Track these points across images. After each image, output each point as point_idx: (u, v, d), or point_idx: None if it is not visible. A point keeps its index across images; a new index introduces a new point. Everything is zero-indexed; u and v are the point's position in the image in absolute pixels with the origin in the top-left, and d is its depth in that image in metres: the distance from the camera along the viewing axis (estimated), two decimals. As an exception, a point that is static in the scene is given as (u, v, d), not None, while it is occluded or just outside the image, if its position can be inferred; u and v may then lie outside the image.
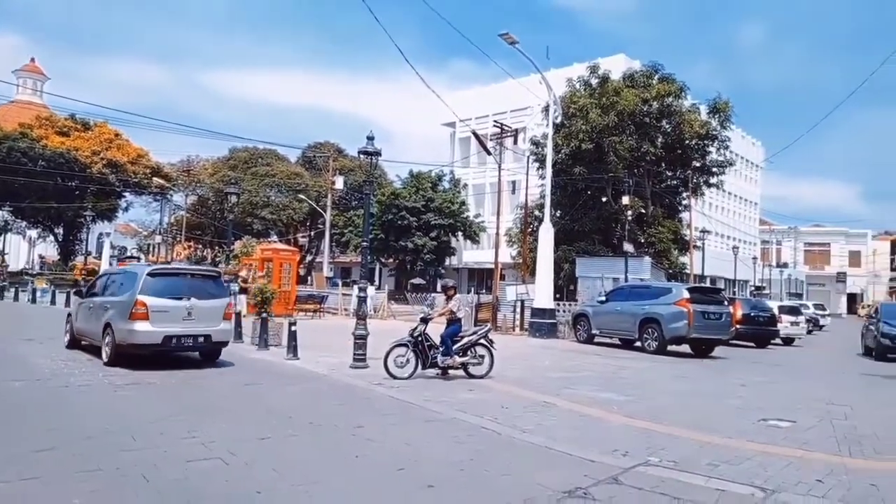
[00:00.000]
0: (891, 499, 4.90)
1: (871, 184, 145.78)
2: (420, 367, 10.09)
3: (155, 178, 51.09)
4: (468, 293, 37.45)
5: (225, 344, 11.28)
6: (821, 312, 38.87)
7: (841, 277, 72.39)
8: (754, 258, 59.29)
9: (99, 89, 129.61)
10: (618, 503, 4.55)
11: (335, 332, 17.24)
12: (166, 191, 53.78)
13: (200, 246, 62.57)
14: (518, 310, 22.45)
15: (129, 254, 57.06)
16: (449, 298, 10.73)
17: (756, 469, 5.58)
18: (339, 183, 44.00)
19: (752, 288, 53.26)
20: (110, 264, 36.59)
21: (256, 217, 53.46)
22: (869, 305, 50.61)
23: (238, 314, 15.45)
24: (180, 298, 10.33)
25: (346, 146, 58.67)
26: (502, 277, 36.94)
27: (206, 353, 11.19)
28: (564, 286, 31.47)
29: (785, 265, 67.59)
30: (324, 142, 59.79)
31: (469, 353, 10.37)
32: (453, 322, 10.43)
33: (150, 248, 62.35)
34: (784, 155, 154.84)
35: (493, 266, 27.62)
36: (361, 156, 11.73)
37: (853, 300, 73.48)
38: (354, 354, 10.98)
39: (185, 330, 10.26)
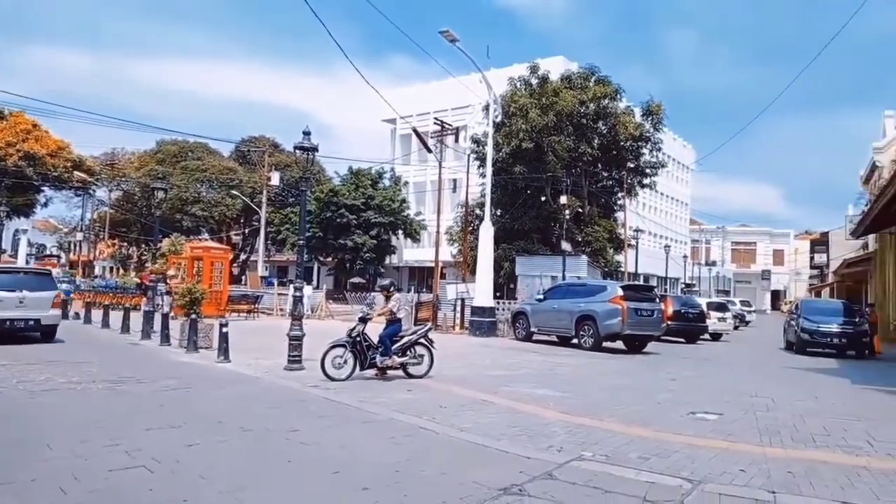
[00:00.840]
0: (804, 484, 5.14)
1: (793, 186, 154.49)
2: (358, 367, 9.92)
3: (76, 172, 48.49)
4: (409, 292, 37.34)
5: (54, 327, 13.86)
6: (747, 309, 40.87)
7: (765, 275, 76.33)
8: (685, 256, 61.75)
9: (14, 76, 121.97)
10: (552, 498, 4.58)
11: (270, 334, 16.81)
12: (89, 185, 51.19)
13: (126, 244, 59.89)
14: (458, 308, 22.53)
15: (48, 252, 53.99)
16: (388, 298, 10.62)
17: (684, 461, 5.75)
18: (275, 179, 42.97)
19: (683, 285, 55.40)
20: (27, 262, 34.44)
21: (186, 214, 51.61)
22: (790, 302, 53.50)
23: (166, 315, 14.91)
24: (13, 290, 13.11)
25: (283, 141, 57.48)
26: (443, 276, 37.04)
27: (43, 333, 13.74)
28: (505, 284, 31.83)
29: (713, 263, 70.72)
30: (259, 136, 58.28)
31: (409, 352, 10.27)
32: (393, 322, 10.32)
33: (71, 246, 59.24)
34: (713, 157, 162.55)
35: (433, 265, 27.62)
36: (297, 151, 11.42)
37: (777, 297, 77.67)
38: (289, 356, 10.71)
39: (17, 315, 13.08)
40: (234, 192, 51.34)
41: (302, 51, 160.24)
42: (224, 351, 11.64)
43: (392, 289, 10.86)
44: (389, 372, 10.24)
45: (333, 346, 9.87)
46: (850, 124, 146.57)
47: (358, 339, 9.92)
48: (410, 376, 10.22)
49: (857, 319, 19.20)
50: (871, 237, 30.25)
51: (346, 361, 9.80)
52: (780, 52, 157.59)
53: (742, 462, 5.77)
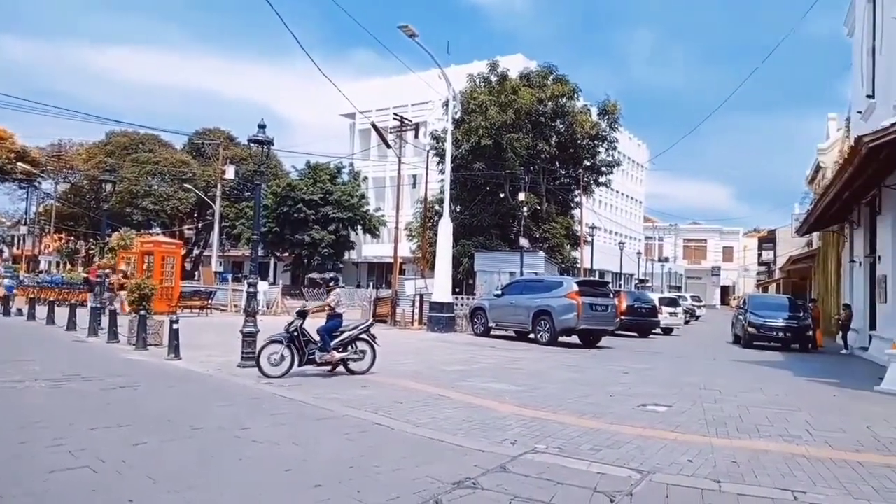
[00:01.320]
0: (748, 473, 5.33)
1: (742, 185, 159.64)
2: (297, 364, 9.67)
3: (20, 164, 46.46)
4: (367, 288, 37.12)
5: None
6: (697, 304, 42.11)
7: (715, 271, 78.73)
8: (638, 253, 63.13)
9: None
10: (505, 491, 4.62)
11: (223, 331, 16.49)
12: (33, 178, 49.10)
13: (73, 238, 57.73)
14: (417, 304, 22.51)
15: (-11, 246, 51.66)
16: (329, 292, 10.39)
17: (634, 452, 5.88)
18: (230, 172, 41.95)
19: (637, 281, 56.65)
20: (-34, 257, 32.95)
21: (137, 207, 50.08)
22: (738, 297, 55.38)
23: (113, 312, 14.50)
24: None
25: (238, 134, 56.16)
26: (402, 272, 36.94)
27: None
28: (463, 280, 31.96)
29: (666, 260, 72.59)
30: (213, 128, 56.85)
31: (350, 348, 10.04)
32: (334, 316, 10.10)
33: (15, 240, 56.81)
34: (667, 156, 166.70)
35: (392, 260, 27.51)
36: (252, 145, 11.21)
37: (726, 292, 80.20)
38: (243, 353, 10.51)
39: None
40: (187, 185, 50.01)
41: (259, 43, 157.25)
42: (174, 348, 11.36)
43: (332, 283, 10.65)
44: (338, 368, 10.05)
45: (270, 342, 9.60)
46: (798, 126, 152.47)
47: (296, 333, 9.67)
48: (352, 373, 10.00)
49: (801, 314, 19.99)
50: (815, 235, 31.53)
51: (283, 357, 9.55)
52: (731, 54, 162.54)
53: (689, 452, 5.94)
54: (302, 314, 9.93)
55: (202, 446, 5.81)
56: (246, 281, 11.89)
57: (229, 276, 43.65)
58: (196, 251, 58.49)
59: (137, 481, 4.67)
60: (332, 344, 9.87)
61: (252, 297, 11.13)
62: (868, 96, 16.00)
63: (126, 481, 4.67)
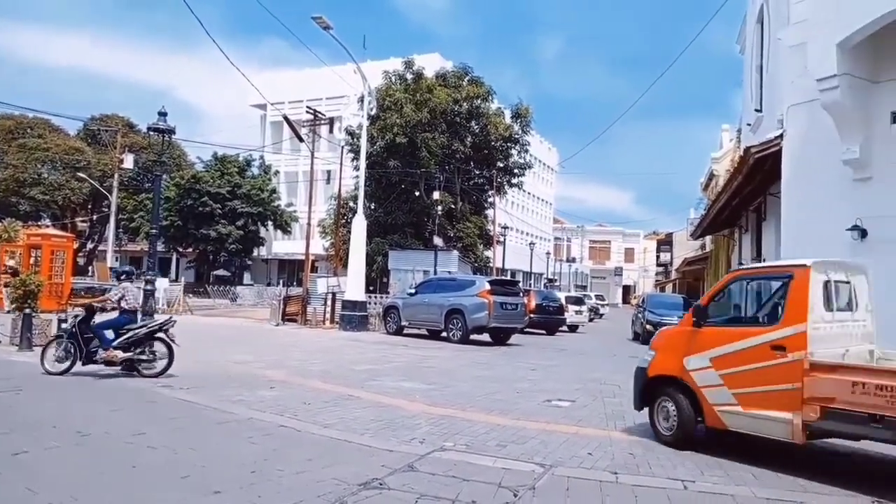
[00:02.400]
0: (643, 464, 5.63)
1: (644, 190, 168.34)
2: (80, 361, 9.15)
3: None
4: (278, 285, 36.08)
5: None
6: (601, 302, 44.03)
7: (618, 271, 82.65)
8: (548, 253, 65.19)
9: None
10: (411, 490, 4.63)
11: (120, 329, 15.46)
12: None
13: (-51, 229, 52.41)
14: (329, 302, 22.13)
15: None
16: (123, 285, 9.81)
17: (538, 447, 6.06)
18: (129, 161, 39.42)
19: (546, 280, 58.46)
20: None
21: (24, 197, 46.16)
22: (638, 296, 58.37)
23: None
24: None
25: (139, 121, 52.88)
26: (314, 269, 36.20)
27: None
28: (377, 278, 31.75)
29: (573, 260, 75.40)
30: (111, 114, 53.29)
31: (140, 348, 9.38)
32: (124, 312, 9.54)
33: None
34: (576, 160, 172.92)
35: (304, 257, 26.89)
36: (152, 133, 10.60)
37: (627, 291, 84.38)
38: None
39: None
40: (80, 174, 46.57)
41: (162, 25, 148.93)
42: (63, 349, 10.53)
43: (123, 276, 10.08)
44: (138, 368, 9.33)
45: (56, 338, 9.22)
46: (696, 135, 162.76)
47: (74, 329, 9.17)
48: (142, 375, 9.27)
49: (693, 312, 21.29)
50: (708, 238, 33.71)
51: (67, 354, 9.10)
52: (639, 63, 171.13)
53: (590, 446, 6.19)
54: (89, 308, 9.49)
55: (90, 454, 5.43)
56: (143, 278, 11.22)
57: (127, 272, 40.91)
58: (90, 245, 54.70)
59: (15, 492, 4.33)
60: (117, 342, 9.20)
61: (150, 294, 10.54)
62: (756, 110, 17.27)
63: (1, 494, 4.31)
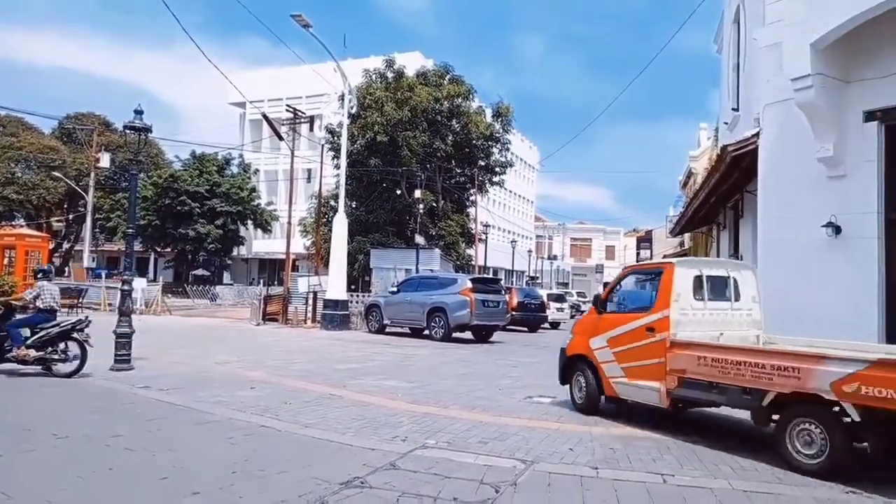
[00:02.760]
0: (623, 458, 5.68)
1: (624, 187, 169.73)
2: None
3: None
4: (258, 285, 35.77)
5: None
6: (582, 299, 44.30)
7: (599, 269, 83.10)
8: (529, 251, 65.48)
9: None
10: (393, 488, 4.62)
11: (95, 331, 15.21)
12: None
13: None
14: (310, 302, 22.00)
15: None
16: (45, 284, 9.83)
17: (520, 443, 6.09)
18: (105, 160, 38.74)
19: (528, 278, 58.70)
20: None
21: (-3, 196, 45.25)
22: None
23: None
24: None
25: (115, 119, 52.02)
26: (295, 268, 35.93)
27: None
28: (359, 277, 31.63)
29: (555, 257, 75.76)
30: (87, 113, 52.39)
31: (52, 347, 9.34)
32: (40, 311, 9.55)
33: None
34: (556, 159, 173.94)
35: (285, 256, 26.68)
36: (128, 132, 10.44)
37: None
38: (116, 355, 9.82)
39: None
40: (56, 173, 45.71)
41: (140, 22, 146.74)
42: (37, 351, 10.35)
43: (40, 275, 10.12)
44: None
45: None
46: (675, 133, 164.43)
47: None
48: (54, 374, 9.29)
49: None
50: (687, 235, 34.13)
51: None
52: (619, 63, 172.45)
53: (571, 441, 6.23)
54: (6, 306, 9.49)
55: (67, 457, 5.34)
56: (120, 278, 11.06)
57: (103, 273, 40.54)
58: (66, 245, 53.77)
59: (-14, 499, 4.23)
60: (30, 341, 9.20)
61: (127, 295, 10.38)
62: (733, 109, 17.50)
63: (-28, 500, 4.22)
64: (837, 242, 9.75)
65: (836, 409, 5.21)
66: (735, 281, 7.33)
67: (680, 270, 6.88)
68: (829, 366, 5.24)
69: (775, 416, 5.74)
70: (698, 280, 6.99)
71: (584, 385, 7.70)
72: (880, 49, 9.38)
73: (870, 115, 9.51)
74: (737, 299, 7.30)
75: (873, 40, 9.30)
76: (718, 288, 7.20)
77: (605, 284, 10.87)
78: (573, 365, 7.96)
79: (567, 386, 8.09)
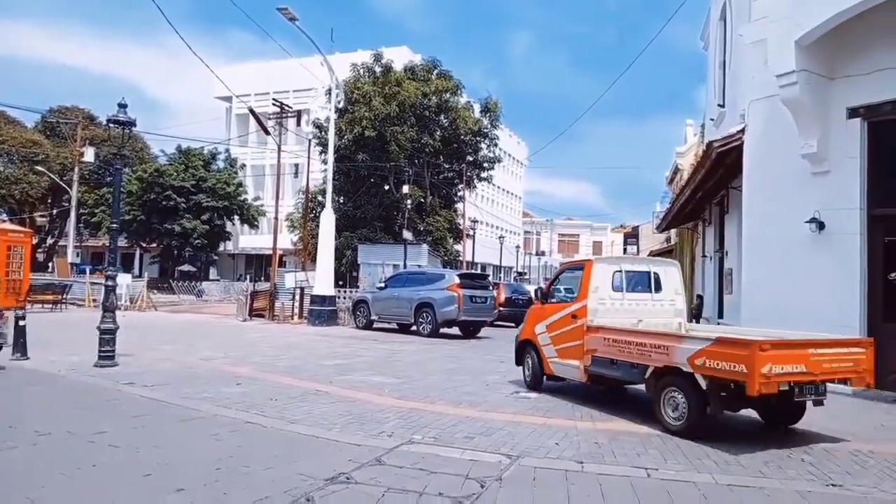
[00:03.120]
0: (608, 453, 5.71)
1: (611, 183, 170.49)
2: None
3: None
4: (245, 280, 35.57)
5: None
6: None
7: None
8: (517, 247, 65.66)
9: None
10: (378, 483, 4.62)
11: (80, 327, 15.14)
12: None
13: None
14: (297, 297, 21.91)
15: None
16: None
17: (505, 438, 6.10)
18: (90, 155, 38.23)
19: (516, 274, 58.82)
20: None
21: (-22, 191, 44.61)
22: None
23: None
24: None
25: (100, 113, 51.42)
26: (282, 264, 35.79)
27: None
28: (347, 273, 31.55)
29: (543, 253, 75.96)
30: (71, 106, 51.73)
31: None
32: None
33: None
34: (544, 154, 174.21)
35: (272, 252, 26.54)
36: (112, 125, 10.31)
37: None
38: (100, 351, 9.71)
39: None
40: (39, 168, 45.11)
41: (126, 15, 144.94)
42: (21, 346, 10.26)
43: None
44: None
45: None
46: (662, 129, 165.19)
47: None
48: None
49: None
50: (673, 231, 34.30)
51: None
52: (608, 59, 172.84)
53: (556, 436, 6.25)
54: None
55: (49, 453, 5.28)
56: (105, 273, 10.94)
57: (87, 268, 40.13)
58: (50, 240, 53.15)
59: (-34, 498, 4.18)
60: None
61: (111, 290, 10.27)
62: (719, 105, 17.60)
63: (-49, 499, 4.17)
64: (821, 238, 9.85)
65: (692, 379, 6.23)
66: (657, 276, 8.47)
67: (598, 266, 8.17)
68: (686, 344, 6.34)
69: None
70: (618, 274, 8.20)
71: (531, 365, 9.04)
72: (864, 46, 9.47)
73: (853, 112, 9.61)
74: (657, 291, 8.42)
75: (857, 37, 9.39)
76: (639, 282, 8.40)
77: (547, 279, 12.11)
78: (523, 348, 9.28)
79: (521, 367, 9.41)
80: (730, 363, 5.76)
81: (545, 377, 8.80)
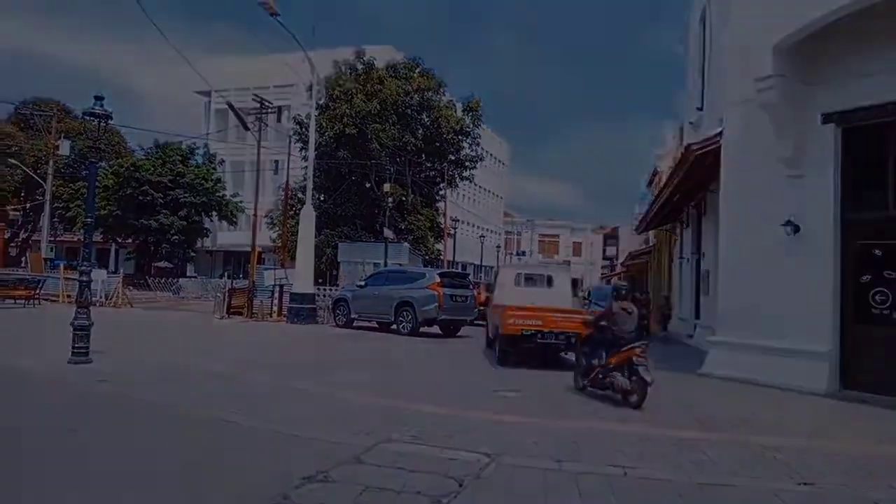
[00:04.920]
0: (585, 451, 5.74)
1: (591, 184, 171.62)
2: None
3: None
4: (223, 277, 35.16)
5: None
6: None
7: (566, 265, 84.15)
8: (498, 246, 65.72)
9: None
10: (356, 482, 4.59)
11: (53, 323, 14.86)
12: None
13: None
14: (277, 295, 21.72)
15: None
16: None
17: (484, 437, 6.10)
18: (65, 148, 37.48)
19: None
20: None
21: (-52, 184, 43.52)
22: (585, 290, 59.61)
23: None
24: None
25: (75, 106, 50.34)
26: (261, 261, 35.39)
27: None
28: (327, 271, 31.34)
29: (523, 253, 76.17)
30: (46, 98, 50.68)
31: None
32: None
33: None
34: (525, 154, 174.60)
35: (250, 249, 26.26)
36: (87, 118, 10.12)
37: (575, 284, 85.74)
38: (73, 348, 9.50)
39: None
40: (12, 160, 44.12)
41: (103, 7, 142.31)
42: (-11, 344, 10.02)
43: None
44: None
45: None
46: (642, 132, 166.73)
47: None
48: None
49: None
50: (652, 232, 34.66)
51: None
52: (591, 61, 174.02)
53: (535, 435, 6.27)
54: None
55: (14, 452, 5.17)
56: (79, 269, 10.73)
57: (62, 264, 39.32)
58: (23, 235, 52.06)
59: (-69, 497, 4.07)
60: None
61: (85, 286, 10.08)
62: (698, 108, 17.84)
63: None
64: (796, 241, 10.02)
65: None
66: (550, 276, 13.89)
67: (504, 270, 14.49)
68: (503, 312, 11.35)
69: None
70: (518, 276, 13.78)
71: (488, 335, 14.06)
72: (840, 52, 9.64)
73: (827, 118, 9.79)
74: (550, 286, 13.58)
75: (834, 44, 9.56)
76: (535, 280, 13.70)
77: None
78: (487, 326, 14.64)
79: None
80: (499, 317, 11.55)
81: (495, 343, 12.60)
